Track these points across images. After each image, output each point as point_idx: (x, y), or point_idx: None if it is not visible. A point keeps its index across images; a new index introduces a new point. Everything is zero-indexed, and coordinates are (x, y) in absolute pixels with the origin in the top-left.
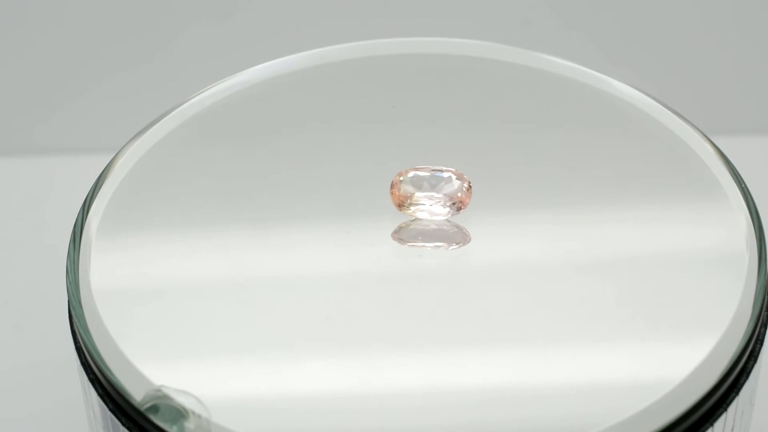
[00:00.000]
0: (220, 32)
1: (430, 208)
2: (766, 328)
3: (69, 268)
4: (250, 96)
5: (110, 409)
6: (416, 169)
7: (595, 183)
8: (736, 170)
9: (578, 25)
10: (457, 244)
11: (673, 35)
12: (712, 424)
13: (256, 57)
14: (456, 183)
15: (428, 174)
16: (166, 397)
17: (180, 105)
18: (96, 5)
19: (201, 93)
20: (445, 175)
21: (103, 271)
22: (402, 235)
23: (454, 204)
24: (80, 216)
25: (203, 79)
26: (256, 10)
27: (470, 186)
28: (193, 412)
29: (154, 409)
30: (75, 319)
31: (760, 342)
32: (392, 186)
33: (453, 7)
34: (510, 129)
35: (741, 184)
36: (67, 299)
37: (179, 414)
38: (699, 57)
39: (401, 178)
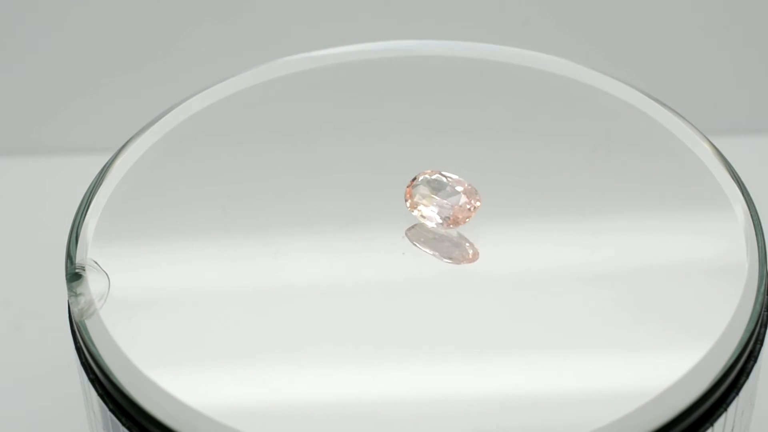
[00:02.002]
0: (220, 33)
1: (429, 213)
2: (765, 329)
3: (68, 268)
4: (249, 97)
5: (110, 409)
6: (442, 174)
7: (595, 185)
8: (735, 171)
9: (577, 25)
10: (450, 259)
11: (673, 35)
12: (712, 424)
13: (255, 58)
14: (461, 198)
15: (447, 181)
16: (84, 269)
17: (177, 106)
18: (96, 6)
19: (198, 94)
20: (459, 188)
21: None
22: (411, 234)
23: (449, 218)
24: (78, 217)
25: (203, 80)
26: (255, 12)
27: (476, 207)
28: (88, 289)
29: (76, 276)
30: (75, 320)
31: (759, 342)
32: (413, 180)
33: (453, 7)
34: (509, 132)
35: (740, 185)
36: (67, 299)
37: (81, 288)
38: (698, 57)
39: (423, 177)
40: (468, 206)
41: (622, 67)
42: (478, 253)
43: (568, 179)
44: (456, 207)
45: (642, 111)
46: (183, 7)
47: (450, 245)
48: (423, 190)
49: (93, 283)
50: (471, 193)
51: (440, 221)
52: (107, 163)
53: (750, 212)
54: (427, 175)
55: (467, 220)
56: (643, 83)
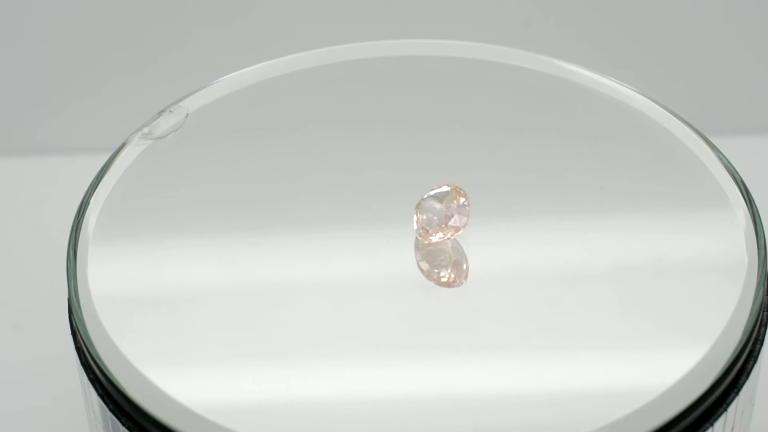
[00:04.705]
0: (219, 36)
1: (417, 219)
2: (765, 329)
3: (68, 269)
4: (247, 96)
5: (110, 409)
6: (458, 191)
7: (596, 185)
8: (736, 171)
9: (577, 26)
10: (422, 272)
11: (673, 36)
12: (712, 424)
13: (254, 59)
14: (441, 221)
15: (450, 199)
16: (171, 112)
17: (176, 104)
18: (97, 10)
19: (197, 93)
20: (450, 209)
21: (102, 272)
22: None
23: (425, 231)
24: (77, 218)
25: (203, 81)
26: (253, 15)
27: (449, 234)
28: (155, 124)
29: (161, 113)
30: (75, 320)
31: (759, 342)
32: (431, 189)
33: (453, 7)
34: (508, 132)
35: (741, 185)
36: (67, 299)
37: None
38: (698, 57)
39: (443, 188)
40: (439, 229)
41: (622, 68)
42: (455, 282)
43: (568, 179)
44: (432, 225)
45: (641, 112)
46: (182, 9)
47: (440, 262)
48: (431, 200)
49: (164, 123)
50: (456, 218)
51: (415, 229)
52: (107, 162)
53: (750, 212)
54: (445, 187)
55: (437, 240)
56: (643, 84)
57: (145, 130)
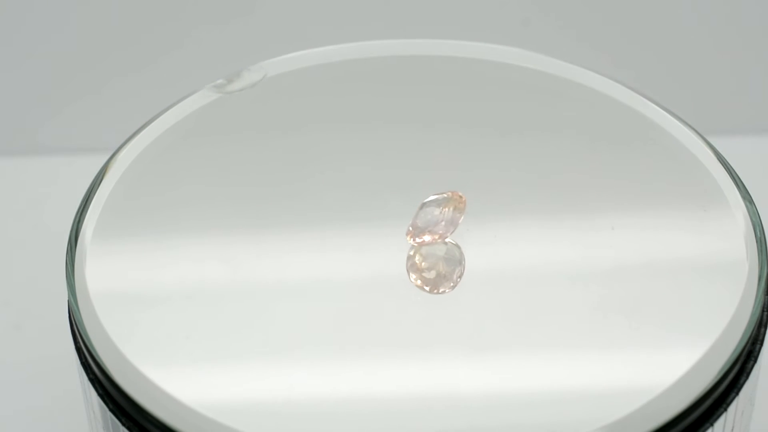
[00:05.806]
0: (220, 35)
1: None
2: (765, 329)
3: (68, 269)
4: (246, 96)
5: (110, 409)
6: (459, 198)
7: (595, 186)
8: (735, 171)
9: (577, 26)
10: (407, 271)
11: (673, 36)
12: (712, 424)
13: (252, 58)
14: (422, 221)
15: (444, 206)
16: (248, 71)
17: (176, 104)
18: (97, 10)
19: (196, 93)
20: (439, 218)
21: (102, 271)
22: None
23: (414, 232)
24: (77, 218)
25: (203, 81)
26: (252, 15)
27: (438, 235)
28: (223, 86)
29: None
30: (75, 320)
31: (759, 342)
32: (435, 193)
33: (453, 6)
34: (508, 131)
35: (740, 185)
36: (67, 299)
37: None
38: (698, 57)
39: (447, 194)
40: (426, 232)
41: (622, 68)
42: (436, 289)
43: (567, 179)
44: (420, 228)
45: (640, 113)
46: (182, 9)
47: (430, 266)
48: (430, 203)
49: (241, 79)
50: (443, 224)
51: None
52: (107, 162)
53: (750, 213)
54: (447, 195)
55: (417, 243)
56: (642, 84)
57: (219, 81)
